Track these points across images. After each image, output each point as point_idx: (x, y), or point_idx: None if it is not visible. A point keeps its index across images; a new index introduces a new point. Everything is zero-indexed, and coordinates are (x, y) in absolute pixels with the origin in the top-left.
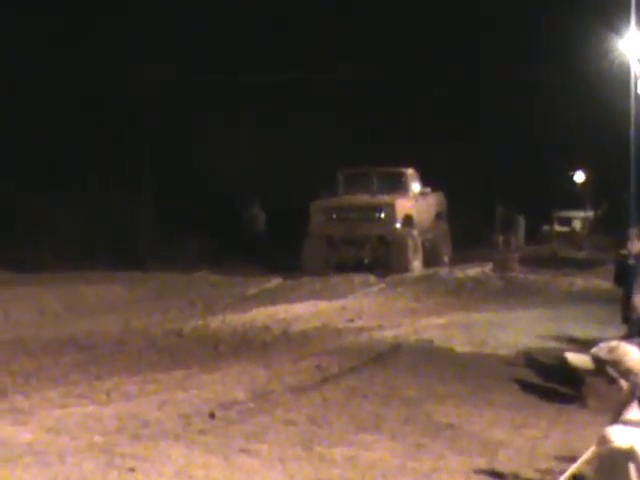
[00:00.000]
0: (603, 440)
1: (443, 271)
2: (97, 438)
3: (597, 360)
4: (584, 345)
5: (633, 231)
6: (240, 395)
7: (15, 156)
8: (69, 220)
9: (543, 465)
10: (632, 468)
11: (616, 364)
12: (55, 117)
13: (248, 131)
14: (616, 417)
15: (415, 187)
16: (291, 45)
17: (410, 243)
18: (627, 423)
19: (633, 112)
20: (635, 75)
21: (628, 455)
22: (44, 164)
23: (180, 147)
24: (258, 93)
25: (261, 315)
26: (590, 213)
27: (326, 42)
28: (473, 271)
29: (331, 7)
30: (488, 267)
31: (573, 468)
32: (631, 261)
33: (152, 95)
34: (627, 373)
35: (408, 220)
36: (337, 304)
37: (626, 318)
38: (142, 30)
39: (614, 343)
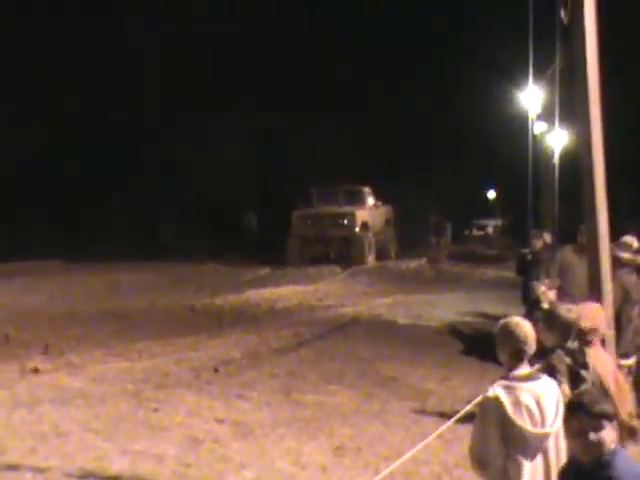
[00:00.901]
0: (485, 390)
1: (390, 264)
2: (129, 386)
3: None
4: (493, 320)
5: (532, 233)
6: (237, 355)
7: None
8: (114, 228)
9: (460, 407)
10: (495, 413)
11: None
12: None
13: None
14: (507, 372)
15: (370, 201)
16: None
17: (366, 243)
18: (511, 378)
19: (530, 146)
20: (531, 119)
21: (494, 403)
22: (82, 188)
23: (194, 168)
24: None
25: (253, 295)
26: (499, 221)
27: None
28: (412, 264)
29: None
30: (423, 261)
31: (467, 408)
32: (529, 257)
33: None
34: None
35: (365, 225)
36: (311, 288)
37: (524, 299)
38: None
39: (513, 318)
